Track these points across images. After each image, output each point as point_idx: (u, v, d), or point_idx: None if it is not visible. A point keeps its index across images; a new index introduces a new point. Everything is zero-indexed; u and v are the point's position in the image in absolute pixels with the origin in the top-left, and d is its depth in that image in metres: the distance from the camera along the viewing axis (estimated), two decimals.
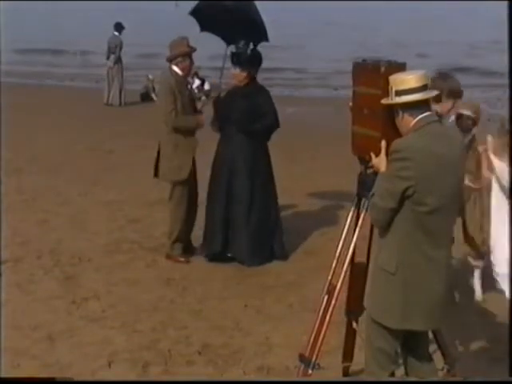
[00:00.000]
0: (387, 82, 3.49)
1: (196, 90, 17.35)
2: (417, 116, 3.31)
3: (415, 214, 3.27)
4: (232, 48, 6.49)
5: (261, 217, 6.47)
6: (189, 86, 7.15)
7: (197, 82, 17.29)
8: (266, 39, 6.74)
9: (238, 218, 6.43)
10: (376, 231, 3.57)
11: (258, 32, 6.70)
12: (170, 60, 6.37)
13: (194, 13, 6.97)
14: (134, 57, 24.81)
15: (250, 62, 6.40)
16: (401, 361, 3.73)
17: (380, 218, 3.37)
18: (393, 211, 3.29)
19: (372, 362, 3.56)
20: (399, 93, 3.30)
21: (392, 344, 3.50)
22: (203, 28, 7.08)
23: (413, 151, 3.23)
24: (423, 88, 3.30)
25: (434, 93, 3.38)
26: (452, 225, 3.45)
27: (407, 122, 3.33)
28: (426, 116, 3.31)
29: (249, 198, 6.43)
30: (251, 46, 6.46)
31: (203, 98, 17.58)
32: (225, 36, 6.91)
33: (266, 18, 6.68)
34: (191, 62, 6.46)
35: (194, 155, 6.40)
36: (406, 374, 3.70)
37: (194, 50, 6.45)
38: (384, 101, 3.40)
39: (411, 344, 3.60)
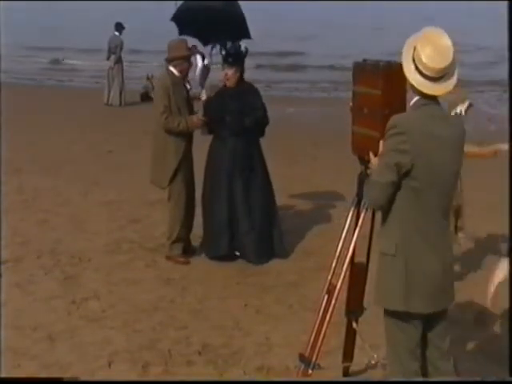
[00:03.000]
0: (387, 82, 3.49)
1: (200, 72, 17.41)
2: (417, 95, 3.31)
3: (413, 191, 3.27)
4: (220, 49, 6.49)
5: (262, 216, 6.50)
6: (188, 87, 7.16)
7: (200, 63, 17.35)
8: (249, 37, 6.87)
9: (242, 219, 6.44)
10: (376, 231, 3.57)
11: (241, 30, 6.82)
12: (169, 61, 6.36)
13: (175, 18, 7.14)
14: (134, 57, 24.81)
15: (243, 61, 6.43)
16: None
17: (379, 196, 3.32)
18: (392, 186, 3.27)
19: (394, 361, 3.48)
20: (418, 68, 3.24)
21: (412, 336, 3.43)
22: (182, 32, 7.21)
23: (409, 126, 3.23)
24: (439, 79, 3.24)
25: (443, 91, 3.29)
26: (449, 205, 3.44)
27: (412, 96, 3.33)
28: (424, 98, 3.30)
29: (249, 198, 6.44)
30: (242, 44, 6.48)
31: (203, 97, 17.56)
32: (202, 36, 7.04)
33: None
34: (189, 65, 6.46)
35: (181, 159, 6.32)
36: (423, 370, 3.58)
37: (192, 52, 6.45)
38: (404, 57, 3.29)
39: (428, 337, 3.53)
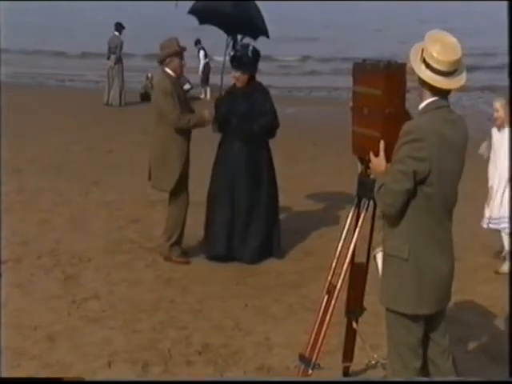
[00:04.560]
0: (387, 82, 3.49)
1: (202, 68, 17.66)
2: (430, 97, 3.29)
3: (426, 197, 3.27)
4: (230, 51, 6.50)
5: (263, 218, 6.50)
6: (186, 87, 7.16)
7: (202, 60, 17.62)
8: (266, 35, 6.87)
9: (242, 220, 6.44)
10: (375, 228, 3.56)
11: (257, 27, 6.84)
12: (160, 62, 6.29)
13: (193, 11, 7.16)
14: (134, 57, 24.82)
15: (251, 64, 6.41)
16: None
17: (394, 203, 3.30)
18: (408, 193, 3.26)
19: (396, 360, 3.47)
20: (428, 65, 3.24)
21: (415, 335, 3.43)
22: (202, 21, 7.23)
23: (424, 132, 3.23)
24: (451, 73, 3.25)
25: (457, 85, 3.30)
26: (453, 207, 3.44)
27: (424, 96, 3.32)
28: (436, 100, 3.29)
29: (252, 199, 6.44)
30: (251, 46, 6.46)
31: (203, 97, 17.60)
32: (224, 27, 7.06)
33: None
34: (181, 62, 6.36)
35: (185, 161, 6.29)
36: (424, 370, 3.58)
37: (184, 49, 6.39)
38: (412, 60, 3.30)
39: (429, 334, 3.53)
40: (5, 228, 6.86)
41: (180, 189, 6.34)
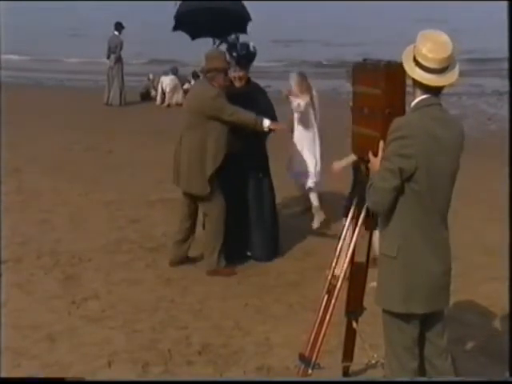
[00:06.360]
0: (388, 82, 3.49)
1: None
2: (421, 95, 3.30)
3: (414, 194, 3.27)
4: (231, 49, 6.49)
5: (261, 218, 6.51)
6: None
7: None
8: (245, 31, 7.26)
9: (241, 219, 6.44)
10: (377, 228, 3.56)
11: (237, 24, 7.00)
12: (205, 73, 6.06)
13: (178, 27, 7.37)
14: (134, 58, 24.79)
15: (252, 61, 6.44)
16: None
17: (381, 201, 3.31)
18: (395, 190, 3.27)
19: (393, 360, 3.49)
20: (418, 63, 3.25)
21: (409, 335, 3.44)
22: (194, 36, 7.37)
23: (412, 129, 3.23)
24: (442, 70, 3.24)
25: (447, 82, 3.29)
26: (448, 207, 3.44)
27: (416, 93, 3.33)
28: (428, 97, 3.29)
29: (249, 198, 6.45)
30: (250, 43, 6.47)
31: None
32: (215, 32, 7.21)
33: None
34: (226, 78, 6.15)
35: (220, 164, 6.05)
36: (421, 370, 3.58)
37: (229, 64, 6.19)
38: (404, 59, 3.31)
39: (426, 335, 3.54)
40: (5, 228, 6.87)
41: (215, 195, 6.11)
